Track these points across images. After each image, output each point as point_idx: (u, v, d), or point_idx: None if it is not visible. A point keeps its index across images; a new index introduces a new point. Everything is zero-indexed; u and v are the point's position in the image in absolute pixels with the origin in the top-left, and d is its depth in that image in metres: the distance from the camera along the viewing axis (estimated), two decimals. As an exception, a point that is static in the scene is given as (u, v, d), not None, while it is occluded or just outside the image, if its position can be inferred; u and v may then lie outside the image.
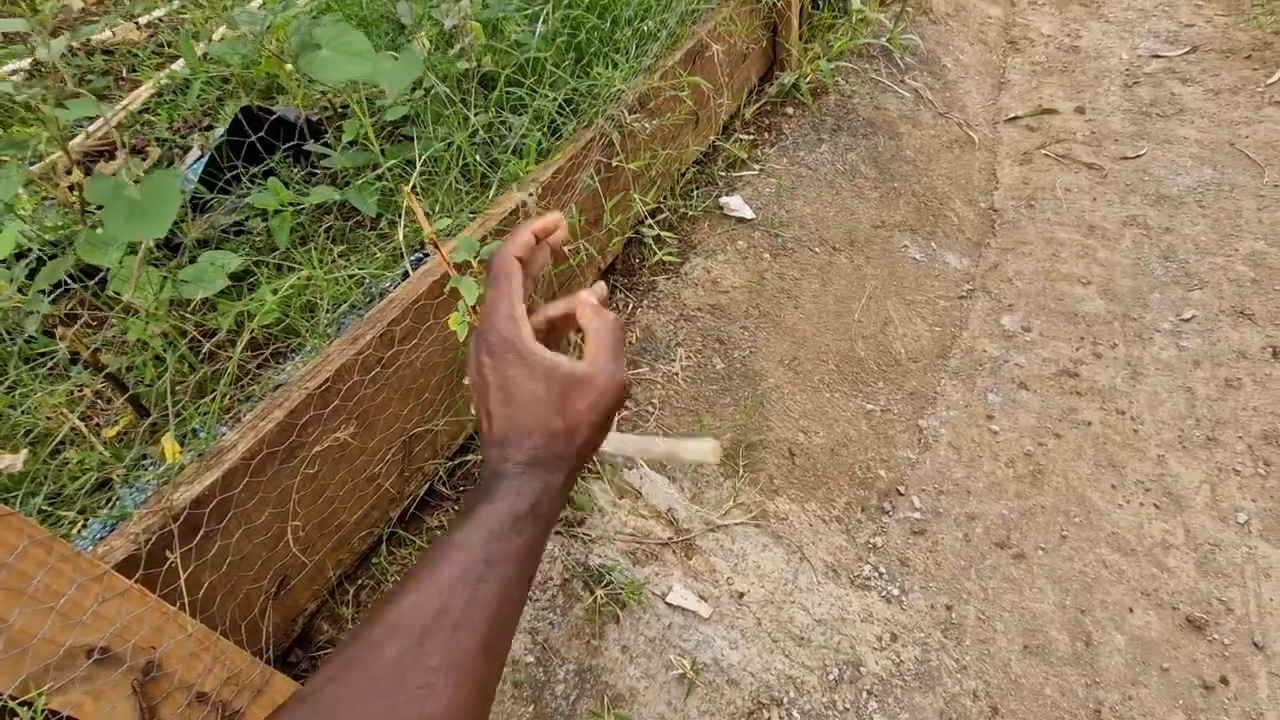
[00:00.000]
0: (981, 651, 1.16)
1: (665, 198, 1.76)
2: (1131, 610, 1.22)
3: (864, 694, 1.10)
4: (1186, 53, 3.01)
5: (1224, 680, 1.13)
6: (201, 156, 1.27)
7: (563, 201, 1.28)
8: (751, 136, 2.17)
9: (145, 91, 1.47)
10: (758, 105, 2.26)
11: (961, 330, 1.76)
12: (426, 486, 1.12)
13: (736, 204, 1.84)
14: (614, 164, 1.36)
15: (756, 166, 2.00)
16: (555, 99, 1.31)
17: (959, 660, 1.14)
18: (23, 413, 0.84)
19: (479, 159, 1.23)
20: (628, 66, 1.41)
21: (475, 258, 0.91)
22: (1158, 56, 3.01)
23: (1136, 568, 1.28)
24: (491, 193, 1.20)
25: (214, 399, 0.85)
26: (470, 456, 1.18)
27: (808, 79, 2.31)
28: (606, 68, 1.40)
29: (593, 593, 1.08)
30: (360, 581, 1.04)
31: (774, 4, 2.16)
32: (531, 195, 1.13)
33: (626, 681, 1.02)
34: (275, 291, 0.97)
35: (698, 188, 1.89)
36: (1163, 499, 1.38)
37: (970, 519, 1.35)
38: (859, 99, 2.36)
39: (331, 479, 0.92)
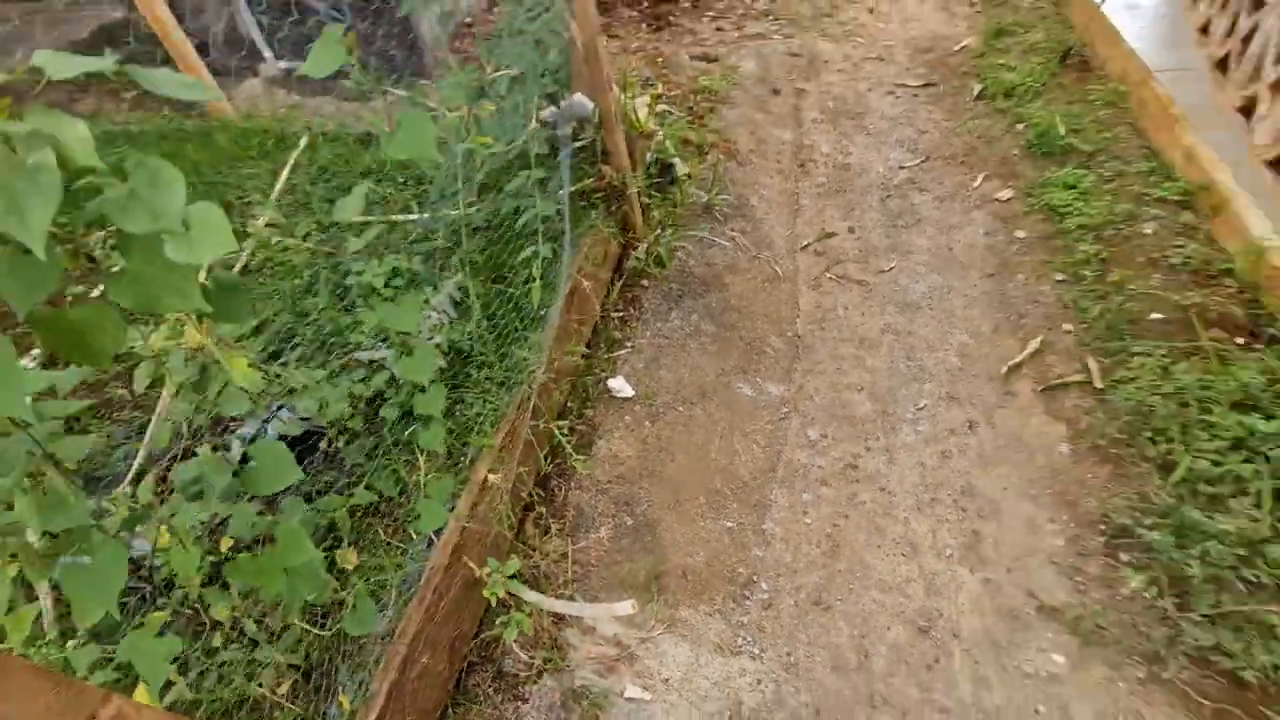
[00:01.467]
0: (808, 678, 1.98)
1: (569, 401, 2.49)
2: (889, 629, 2.08)
3: (746, 721, 1.89)
4: (922, 162, 4.09)
5: (937, 660, 2.01)
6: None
7: (512, 451, 1.98)
8: (621, 313, 2.94)
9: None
10: (621, 283, 3.04)
11: (783, 446, 2.61)
12: None
13: (619, 385, 2.60)
14: (538, 419, 2.08)
15: (629, 344, 2.78)
16: (496, 380, 2.01)
17: (795, 686, 1.96)
18: None
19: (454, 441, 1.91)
20: (535, 343, 2.13)
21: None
22: (903, 168, 4.07)
23: (892, 599, 2.15)
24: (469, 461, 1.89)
25: None
26: None
27: (654, 254, 3.12)
28: (521, 348, 2.12)
29: (580, 704, 1.80)
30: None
31: (621, 211, 2.95)
32: (495, 473, 1.83)
33: (610, 755, 1.75)
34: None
35: (591, 375, 2.64)
36: (907, 548, 2.28)
37: (797, 589, 2.18)
38: (692, 260, 3.20)
39: None
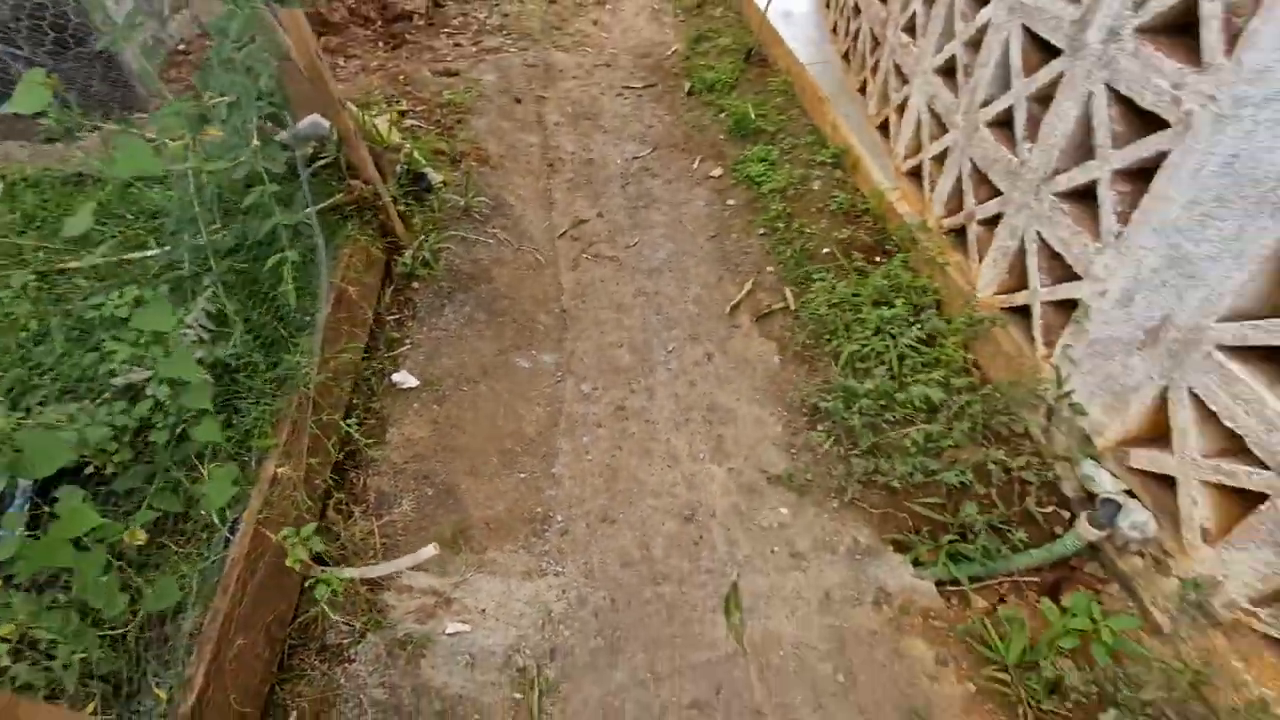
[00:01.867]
0: (604, 577, 2.38)
1: (354, 398, 2.64)
2: (663, 524, 2.55)
3: (558, 625, 2.23)
4: (652, 151, 4.75)
5: (701, 537, 2.52)
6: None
7: (298, 445, 2.12)
8: (397, 315, 3.13)
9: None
10: (392, 288, 3.22)
11: (562, 403, 3.00)
12: None
13: (402, 377, 2.80)
14: (324, 415, 2.23)
15: (408, 342, 2.98)
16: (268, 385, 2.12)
17: (594, 587, 2.35)
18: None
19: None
20: (305, 347, 2.27)
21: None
22: (637, 158, 4.69)
23: (663, 502, 2.63)
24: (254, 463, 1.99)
25: None
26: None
27: (420, 259, 3.33)
28: (292, 354, 2.24)
29: (405, 650, 2.02)
30: None
31: (379, 221, 3.12)
32: (283, 466, 1.97)
33: (438, 681, 1.99)
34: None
35: (374, 374, 2.80)
36: (670, 461, 2.78)
37: (587, 514, 2.58)
38: (459, 259, 3.47)
39: None
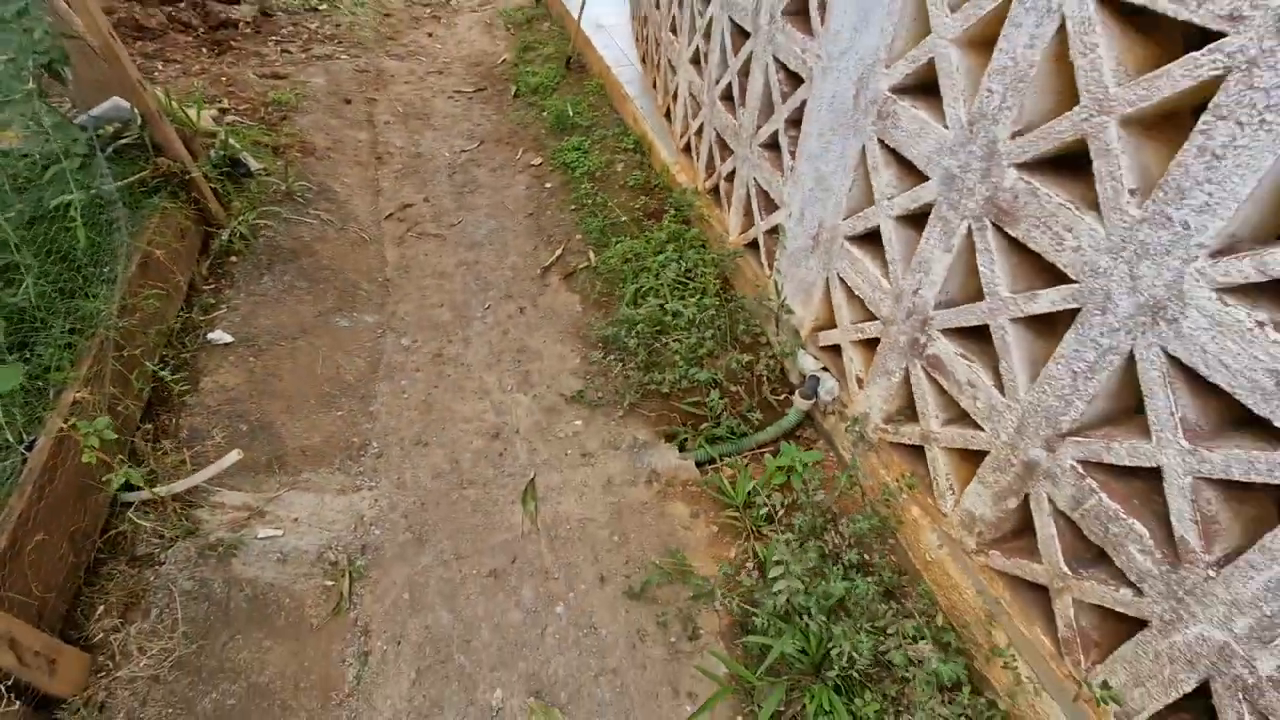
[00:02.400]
0: (415, 487, 2.69)
1: (166, 349, 2.79)
2: (471, 442, 2.90)
3: (369, 527, 2.51)
4: (478, 145, 5.14)
5: (505, 450, 2.89)
6: None
7: (100, 380, 2.27)
8: (213, 285, 3.28)
9: None
10: (209, 262, 3.36)
11: (382, 355, 3.28)
12: None
13: (218, 335, 2.97)
14: (126, 353, 2.40)
15: (224, 307, 3.15)
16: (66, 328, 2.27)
17: (404, 495, 2.65)
18: None
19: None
20: (103, 296, 2.43)
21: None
22: (464, 151, 5.07)
23: (473, 425, 2.98)
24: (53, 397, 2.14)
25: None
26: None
27: (238, 234, 3.50)
28: (90, 300, 2.39)
29: (215, 552, 2.22)
30: (78, 609, 1.98)
31: (192, 197, 3.28)
32: (81, 394, 2.13)
33: (249, 574, 2.22)
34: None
35: (188, 333, 2.95)
36: (481, 394, 3.14)
37: (401, 440, 2.88)
38: (279, 236, 3.66)
39: (42, 559, 1.86)
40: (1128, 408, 1.55)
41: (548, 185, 4.61)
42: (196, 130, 3.59)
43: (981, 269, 1.76)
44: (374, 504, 2.59)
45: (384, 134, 5.15)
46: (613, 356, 3.22)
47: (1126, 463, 1.46)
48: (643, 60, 5.08)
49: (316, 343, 3.17)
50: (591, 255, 3.87)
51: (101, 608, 2.02)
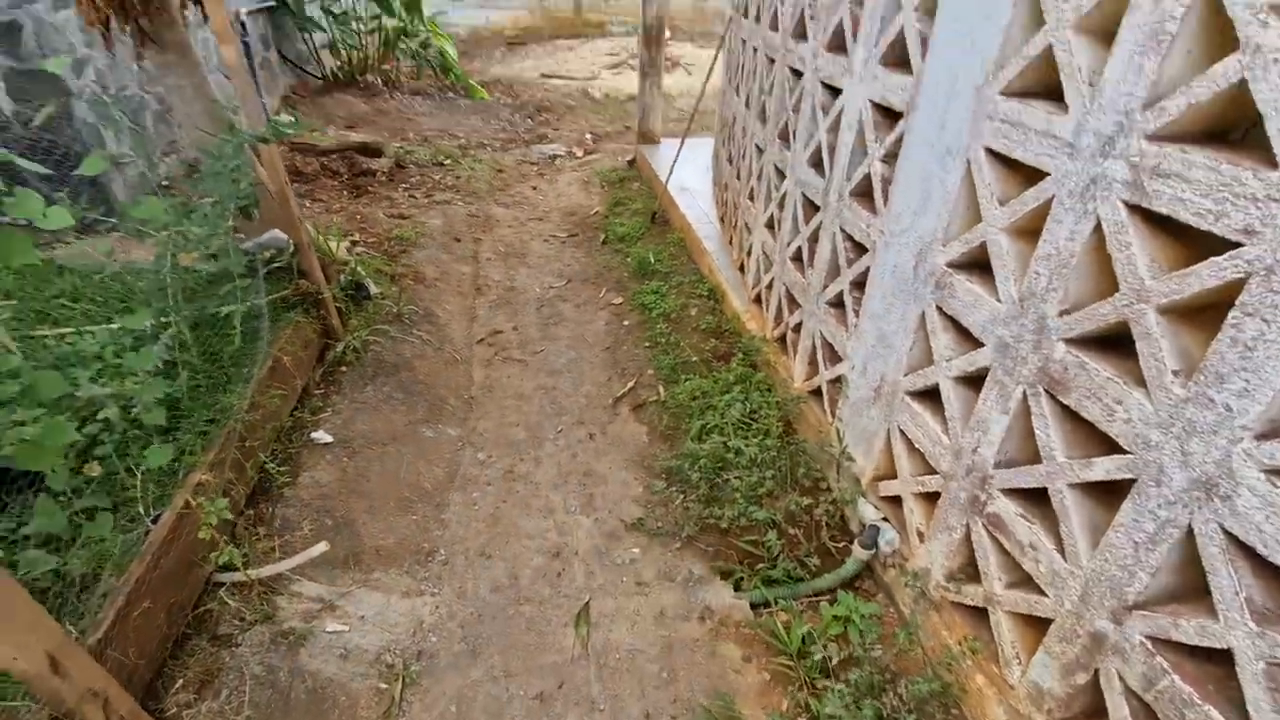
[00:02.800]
0: (474, 598, 2.78)
1: (276, 443, 3.12)
2: (532, 560, 3.00)
3: (427, 633, 2.60)
4: (566, 284, 5.67)
5: (564, 570, 2.97)
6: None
7: (221, 465, 2.57)
8: (323, 390, 3.67)
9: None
10: (323, 369, 3.79)
11: (459, 466, 3.51)
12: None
13: (320, 435, 3.30)
14: (246, 444, 2.72)
15: (330, 410, 3.51)
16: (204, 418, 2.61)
17: (464, 604, 2.74)
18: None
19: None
20: (241, 392, 2.80)
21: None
22: (553, 288, 5.60)
23: (535, 543, 3.09)
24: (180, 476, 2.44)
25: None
26: (202, 607, 2.34)
27: (351, 347, 3.95)
28: (228, 394, 2.76)
29: (287, 640, 2.35)
30: (161, 679, 2.12)
31: (320, 314, 3.77)
32: (206, 477, 2.42)
33: (313, 666, 2.32)
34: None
35: (296, 430, 3.29)
36: (546, 512, 3.28)
37: (467, 550, 3.01)
38: (385, 352, 4.10)
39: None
40: (1196, 584, 1.54)
41: (625, 323, 4.99)
42: (333, 259, 4.19)
43: (1037, 433, 1.85)
44: (434, 610, 2.69)
45: (485, 269, 5.78)
46: (674, 488, 3.32)
47: (1196, 642, 1.43)
48: (721, 220, 5.60)
49: (403, 450, 3.45)
50: (661, 390, 4.10)
51: (180, 681, 2.16)
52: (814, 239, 3.26)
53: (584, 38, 17.54)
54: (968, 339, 2.20)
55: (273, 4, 9.09)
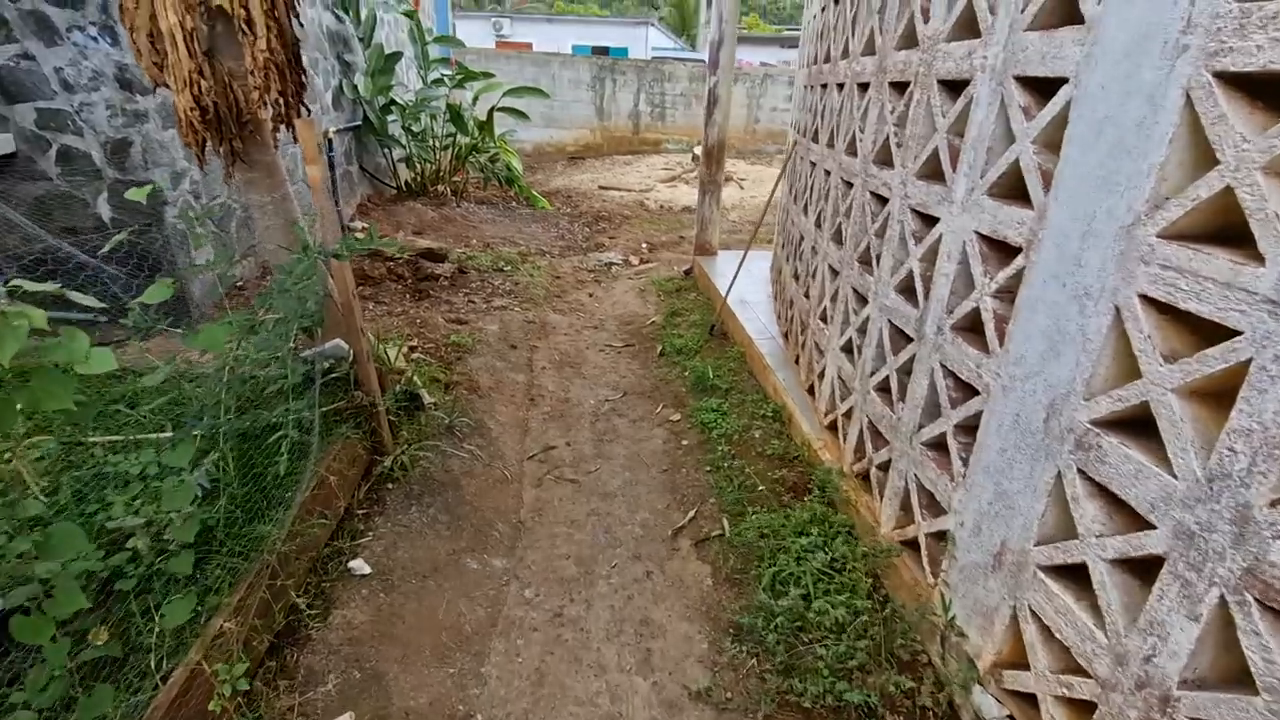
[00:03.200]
0: (512, 783, 2.35)
1: (309, 576, 2.86)
2: (580, 733, 2.58)
3: (456, 831, 2.17)
4: (622, 396, 5.46)
5: (616, 749, 2.53)
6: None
7: (248, 607, 2.31)
8: (366, 510, 3.44)
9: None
10: (368, 486, 3.58)
11: (503, 606, 3.16)
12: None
13: (358, 565, 3.02)
14: (278, 582, 2.46)
15: (371, 534, 3.26)
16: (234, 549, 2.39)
17: (501, 792, 2.32)
18: None
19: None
20: (280, 519, 2.58)
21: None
22: (608, 400, 5.39)
23: (585, 710, 2.67)
24: (204, 620, 2.18)
25: None
26: (203, 786, 2.00)
27: (399, 463, 3.74)
28: (266, 524, 2.55)
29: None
30: None
31: (371, 426, 3.61)
32: (229, 624, 2.16)
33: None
34: None
35: (332, 559, 3.03)
36: (598, 670, 2.87)
37: (508, 715, 2.61)
38: (433, 468, 3.88)
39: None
40: None
41: (684, 442, 4.70)
42: (389, 368, 4.10)
43: (1249, 654, 1.44)
44: (466, 798, 2.28)
45: (539, 378, 5.64)
46: (746, 650, 2.89)
47: None
48: (784, 335, 5.39)
49: (444, 584, 3.14)
50: (725, 524, 3.73)
51: None
52: (906, 371, 2.97)
53: (640, 154, 18.49)
54: (1124, 511, 1.83)
55: (358, 124, 9.82)
